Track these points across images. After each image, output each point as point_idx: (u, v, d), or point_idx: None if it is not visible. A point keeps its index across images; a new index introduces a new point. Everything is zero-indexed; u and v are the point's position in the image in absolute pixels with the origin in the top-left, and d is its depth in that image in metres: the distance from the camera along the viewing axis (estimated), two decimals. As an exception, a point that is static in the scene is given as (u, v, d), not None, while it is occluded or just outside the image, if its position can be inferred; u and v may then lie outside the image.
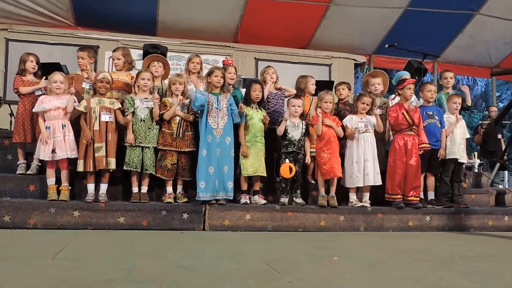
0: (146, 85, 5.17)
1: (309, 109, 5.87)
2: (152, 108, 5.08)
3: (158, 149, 5.14)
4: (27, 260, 3.07)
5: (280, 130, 5.38)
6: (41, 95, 5.18)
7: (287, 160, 5.28)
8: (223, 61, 5.87)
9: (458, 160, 5.90)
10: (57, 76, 4.98)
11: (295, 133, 5.39)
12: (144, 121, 5.08)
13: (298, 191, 5.42)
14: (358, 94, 5.85)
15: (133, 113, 5.07)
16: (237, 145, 5.28)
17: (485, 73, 11.49)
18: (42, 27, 8.86)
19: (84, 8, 8.88)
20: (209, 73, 5.21)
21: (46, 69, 5.53)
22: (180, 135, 5.14)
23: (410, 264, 3.43)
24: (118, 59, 5.65)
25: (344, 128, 5.59)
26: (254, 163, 5.25)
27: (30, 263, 2.96)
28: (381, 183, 5.55)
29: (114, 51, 5.80)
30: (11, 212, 4.44)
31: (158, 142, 5.12)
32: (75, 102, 4.95)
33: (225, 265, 3.13)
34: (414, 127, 5.58)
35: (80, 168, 4.81)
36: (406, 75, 6.18)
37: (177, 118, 5.17)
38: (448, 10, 9.40)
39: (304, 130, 5.45)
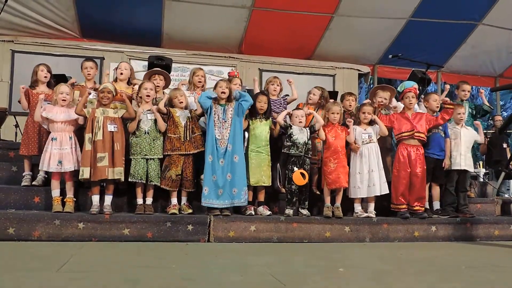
0: (149, 95, 5.19)
1: (311, 120, 5.88)
2: (155, 119, 5.10)
3: (162, 160, 5.15)
4: (31, 272, 3.06)
5: (279, 120, 5.41)
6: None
7: (295, 168, 5.26)
8: (229, 73, 5.90)
9: (463, 169, 5.89)
10: (63, 87, 5.01)
11: (300, 136, 5.36)
12: (148, 133, 5.09)
13: (306, 203, 5.40)
14: (359, 105, 5.89)
15: (138, 126, 5.09)
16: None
17: (489, 82, 11.47)
18: (47, 38, 8.91)
19: (89, 19, 8.93)
20: (215, 86, 5.33)
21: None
22: (188, 138, 5.16)
23: (416, 275, 3.41)
24: (126, 69, 5.69)
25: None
26: (256, 173, 5.25)
27: (34, 276, 2.95)
28: (388, 192, 5.53)
29: (121, 62, 5.87)
30: (15, 224, 4.43)
31: (165, 149, 5.13)
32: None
33: (231, 277, 3.12)
34: (416, 133, 5.59)
35: (85, 175, 4.77)
36: (409, 85, 6.16)
37: (183, 122, 5.18)
38: (451, 20, 9.41)
39: (309, 135, 5.45)
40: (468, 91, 6.70)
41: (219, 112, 5.16)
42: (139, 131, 5.09)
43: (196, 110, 5.37)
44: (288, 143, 5.35)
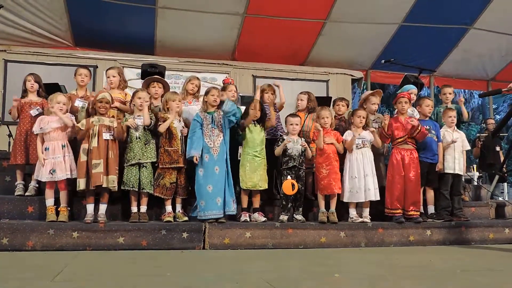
0: (142, 104, 5.17)
1: (303, 126, 5.86)
2: (144, 125, 5.09)
3: (156, 168, 5.15)
4: (26, 282, 3.04)
5: (278, 152, 5.41)
6: (38, 115, 5.20)
7: (289, 177, 5.28)
8: (223, 80, 5.90)
9: (457, 173, 5.92)
10: (60, 97, 4.99)
11: (295, 148, 5.40)
12: (139, 138, 5.09)
13: (300, 209, 5.42)
14: (352, 110, 5.91)
15: (128, 132, 5.09)
16: (236, 162, 5.32)
17: (481, 86, 11.53)
18: (40, 47, 8.90)
19: (82, 28, 8.94)
20: (206, 93, 5.31)
21: (45, 89, 5.56)
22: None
23: (412, 280, 3.41)
24: (114, 76, 5.69)
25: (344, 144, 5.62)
26: (253, 177, 5.27)
27: (29, 285, 2.94)
28: (379, 199, 5.54)
29: (108, 69, 5.85)
30: (9, 234, 4.41)
31: (163, 161, 5.12)
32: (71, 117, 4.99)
33: (226, 284, 3.11)
34: (409, 139, 5.61)
35: (81, 186, 4.78)
36: (406, 90, 6.21)
37: (179, 135, 5.19)
38: (443, 25, 9.48)
39: (303, 147, 5.45)
40: (450, 94, 6.64)
41: (208, 120, 5.18)
42: (131, 136, 5.09)
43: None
44: (285, 158, 5.39)
